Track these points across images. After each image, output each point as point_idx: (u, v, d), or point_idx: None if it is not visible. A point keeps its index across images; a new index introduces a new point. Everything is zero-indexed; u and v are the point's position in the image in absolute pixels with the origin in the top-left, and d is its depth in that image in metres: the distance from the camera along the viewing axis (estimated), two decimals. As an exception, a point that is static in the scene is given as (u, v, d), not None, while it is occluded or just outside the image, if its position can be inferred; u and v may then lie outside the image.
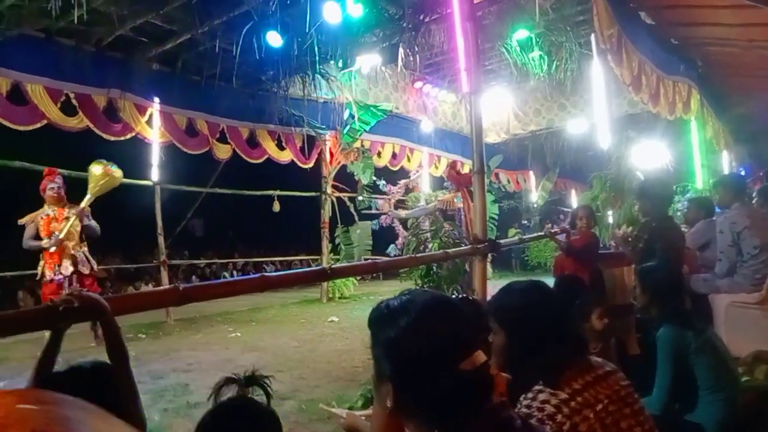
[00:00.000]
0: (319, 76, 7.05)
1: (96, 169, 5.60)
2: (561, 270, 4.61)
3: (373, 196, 10.55)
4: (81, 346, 5.15)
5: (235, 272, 14.33)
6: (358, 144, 9.69)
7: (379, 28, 6.03)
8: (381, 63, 7.92)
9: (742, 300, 3.79)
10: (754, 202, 5.00)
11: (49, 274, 5.38)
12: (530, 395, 1.34)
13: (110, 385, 1.27)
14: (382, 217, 9.82)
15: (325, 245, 9.82)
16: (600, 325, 2.79)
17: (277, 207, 9.39)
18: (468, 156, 10.99)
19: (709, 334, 2.50)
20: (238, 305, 8.63)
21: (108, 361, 1.33)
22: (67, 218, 5.49)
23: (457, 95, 10.72)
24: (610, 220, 8.75)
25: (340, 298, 9.79)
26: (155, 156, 7.74)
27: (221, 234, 18.23)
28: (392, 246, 9.79)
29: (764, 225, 3.94)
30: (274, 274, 2.04)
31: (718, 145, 8.61)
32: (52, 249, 5.39)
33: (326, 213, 9.79)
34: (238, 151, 8.50)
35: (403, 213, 8.38)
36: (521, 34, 7.01)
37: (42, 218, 5.48)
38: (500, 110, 11.31)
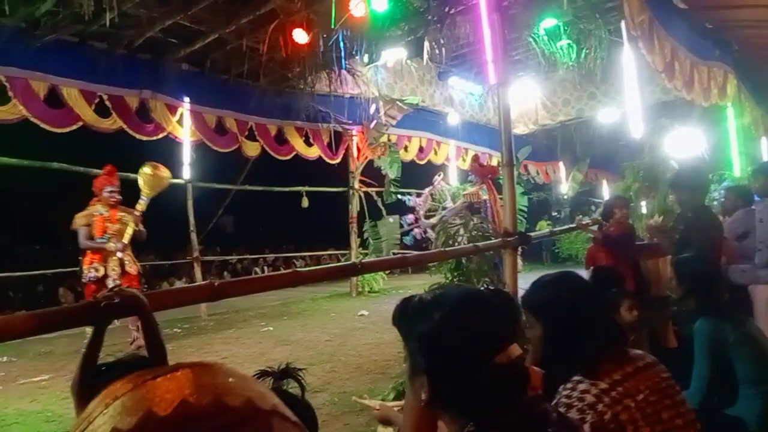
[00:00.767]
0: (345, 72, 7.06)
1: (147, 171, 5.71)
2: (594, 262, 4.52)
3: (401, 190, 10.54)
4: (115, 342, 5.32)
5: (265, 268, 14.55)
6: (384, 138, 9.69)
7: (404, 22, 6.00)
8: (406, 56, 7.89)
9: (783, 291, 3.66)
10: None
11: (92, 273, 5.46)
12: (569, 386, 1.33)
13: None
14: (415, 230, 9.66)
15: (354, 240, 9.87)
16: (630, 317, 2.74)
17: (305, 203, 9.49)
18: (496, 148, 10.88)
19: (749, 326, 2.44)
20: (269, 300, 8.77)
21: (146, 356, 1.37)
22: (121, 220, 5.56)
23: (483, 87, 10.60)
24: (644, 210, 8.55)
25: (369, 292, 9.85)
26: (186, 155, 7.91)
27: (251, 230, 18.52)
28: (409, 236, 9.76)
29: (807, 213, 3.79)
30: (305, 269, 2.06)
31: (757, 132, 8.29)
32: (113, 249, 5.46)
33: (354, 208, 9.84)
34: (266, 148, 8.61)
35: (434, 220, 8.32)
36: (549, 22, 6.88)
37: (95, 216, 5.52)
38: (528, 101, 11.13)
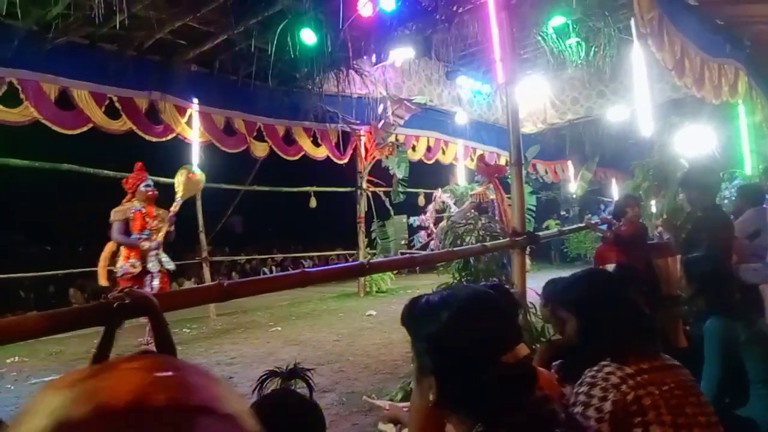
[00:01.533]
0: (353, 72, 7.07)
1: (184, 174, 5.94)
2: (603, 261, 4.50)
3: (408, 190, 10.53)
4: (125, 343, 5.36)
5: (273, 268, 14.60)
6: (392, 138, 9.69)
7: (412, 21, 6.00)
8: (414, 56, 7.88)
9: (796, 290, 3.62)
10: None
11: (128, 269, 5.42)
12: (595, 368, 1.38)
13: None
14: (432, 243, 9.52)
15: (362, 240, 9.88)
16: None
17: (313, 203, 9.51)
18: (504, 147, 10.85)
19: (761, 325, 2.41)
20: (277, 300, 8.80)
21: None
22: (158, 217, 5.60)
23: (492, 86, 10.57)
24: (653, 209, 8.49)
25: (377, 292, 9.86)
26: (195, 155, 7.95)
27: (260, 230, 18.58)
28: (416, 237, 9.72)
29: (820, 212, 3.75)
30: (314, 269, 2.07)
31: (769, 129, 8.21)
32: (146, 246, 5.46)
33: (362, 208, 9.85)
34: (274, 149, 8.63)
35: (443, 223, 8.26)
36: (557, 21, 6.84)
37: (132, 213, 5.49)
38: (537, 100, 11.08)
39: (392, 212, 10.39)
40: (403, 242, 10.18)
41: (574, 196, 15.31)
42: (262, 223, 18.71)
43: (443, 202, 9.61)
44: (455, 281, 4.19)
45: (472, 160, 11.73)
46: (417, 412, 1.05)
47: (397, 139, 9.92)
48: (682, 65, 5.40)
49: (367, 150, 9.84)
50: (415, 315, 1.02)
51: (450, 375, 0.92)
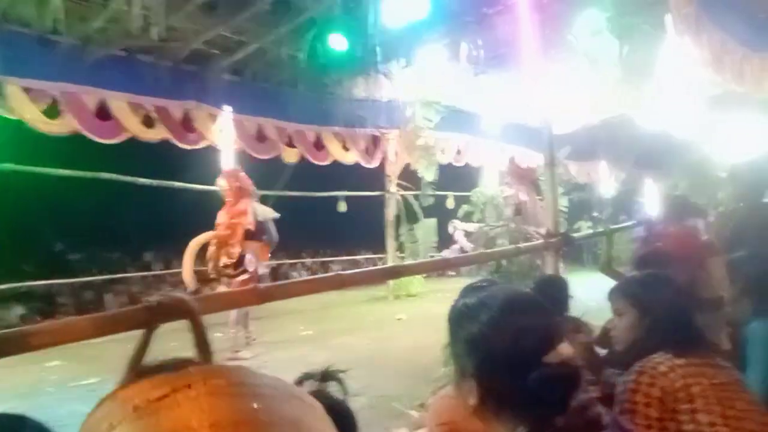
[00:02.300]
0: (382, 76, 7.09)
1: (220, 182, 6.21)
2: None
3: (438, 193, 10.47)
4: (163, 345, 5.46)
5: (303, 272, 14.72)
6: (421, 141, 9.66)
7: (441, 24, 5.98)
8: (443, 58, 7.84)
9: None
10: None
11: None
12: (645, 359, 1.42)
13: None
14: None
15: (391, 243, 9.87)
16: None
17: (343, 207, 9.55)
18: (535, 148, 10.69)
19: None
20: (307, 303, 8.81)
21: (190, 359, 1.40)
22: None
23: (522, 87, 10.43)
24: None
25: (407, 295, 9.82)
26: (228, 163, 8.09)
27: (290, 235, 18.72)
28: (446, 251, 9.60)
29: None
30: (348, 272, 2.08)
31: (816, 124, 7.86)
32: None
33: (391, 211, 9.85)
34: (305, 154, 8.71)
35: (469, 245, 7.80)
36: (590, 18, 6.70)
37: None
38: (568, 99, 10.88)
39: (421, 216, 10.35)
40: (432, 245, 10.12)
41: (608, 196, 14.97)
42: (292, 227, 18.85)
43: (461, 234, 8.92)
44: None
45: (502, 162, 11.59)
46: None
47: (426, 142, 9.88)
48: (720, 60, 5.24)
49: (396, 154, 9.84)
50: (454, 317, 1.01)
51: (491, 377, 0.90)
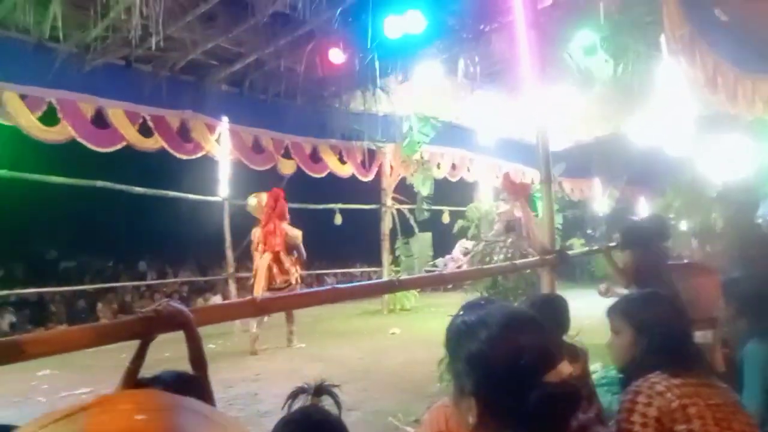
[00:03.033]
0: (379, 90, 7.14)
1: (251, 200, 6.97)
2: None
3: (433, 207, 10.50)
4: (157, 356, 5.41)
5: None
6: (417, 155, 9.71)
7: (438, 40, 6.04)
8: (440, 74, 7.92)
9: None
10: None
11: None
12: (641, 379, 1.43)
13: (192, 395, 1.33)
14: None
15: (386, 257, 9.86)
16: None
17: (339, 220, 9.55)
18: (530, 164, 10.74)
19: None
20: (301, 316, 8.77)
21: (185, 371, 1.40)
22: None
23: (518, 103, 10.52)
24: (684, 228, 8.27)
25: (401, 309, 9.79)
26: (224, 173, 8.09)
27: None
28: (440, 260, 9.60)
29: None
30: (344, 286, 2.07)
31: (806, 146, 7.96)
32: None
33: (386, 225, 9.85)
34: (301, 166, 8.73)
35: (462, 258, 7.80)
36: (585, 37, 6.79)
37: None
38: (563, 117, 10.97)
39: (417, 230, 10.36)
40: (428, 260, 10.12)
41: (601, 214, 15.06)
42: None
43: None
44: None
45: (497, 177, 11.65)
46: None
47: (421, 157, 9.93)
48: (714, 82, 5.31)
49: (392, 167, 9.88)
50: (452, 335, 1.00)
51: (490, 396, 0.89)
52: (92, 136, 6.54)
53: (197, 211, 9.65)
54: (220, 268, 9.14)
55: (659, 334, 1.57)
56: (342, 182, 9.57)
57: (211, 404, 1.35)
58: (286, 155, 8.56)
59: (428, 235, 10.31)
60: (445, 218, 11.14)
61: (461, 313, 1.03)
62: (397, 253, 10.17)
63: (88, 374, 5.45)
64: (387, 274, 9.58)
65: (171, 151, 7.26)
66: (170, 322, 1.36)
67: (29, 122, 5.91)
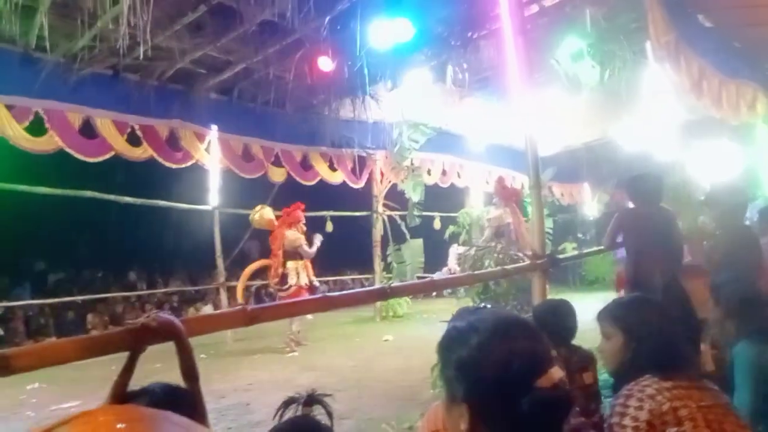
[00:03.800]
0: (368, 97, 7.16)
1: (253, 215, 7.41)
2: (624, 284, 4.42)
3: (424, 214, 10.51)
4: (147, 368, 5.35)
5: (289, 292, 14.53)
6: (408, 162, 9.73)
7: (427, 47, 6.07)
8: (429, 81, 7.95)
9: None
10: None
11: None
12: (632, 383, 1.44)
13: (183, 407, 1.31)
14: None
15: (378, 264, 9.85)
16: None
17: (329, 227, 9.54)
18: (520, 170, 10.79)
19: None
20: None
21: (175, 384, 1.38)
22: None
23: (507, 109, 10.59)
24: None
25: (393, 316, 9.77)
26: (213, 181, 8.06)
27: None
28: (438, 273, 9.59)
29: None
30: (336, 294, 2.07)
31: (790, 150, 8.07)
32: None
33: (378, 232, 9.85)
34: (292, 174, 8.72)
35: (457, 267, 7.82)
36: (572, 44, 6.87)
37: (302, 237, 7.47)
38: (552, 122, 11.06)
39: (408, 236, 10.37)
40: (419, 266, 10.12)
41: (591, 218, 15.17)
42: (278, 247, 18.71)
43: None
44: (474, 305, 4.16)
45: (487, 183, 11.70)
46: None
47: (412, 163, 9.95)
48: (699, 87, 5.38)
49: (382, 174, 9.89)
50: (444, 342, 1.00)
51: (482, 402, 0.89)
52: (80, 146, 6.50)
53: (187, 221, 9.60)
54: (211, 277, 9.07)
55: (649, 338, 1.59)
56: (333, 189, 9.56)
57: (202, 415, 1.33)
58: (277, 163, 8.55)
59: (420, 242, 10.32)
60: (437, 224, 11.17)
61: (454, 319, 1.04)
62: (389, 259, 10.16)
63: (78, 387, 5.38)
64: (379, 281, 9.56)
65: (160, 160, 7.23)
66: (160, 333, 1.35)
67: (16, 133, 5.86)
